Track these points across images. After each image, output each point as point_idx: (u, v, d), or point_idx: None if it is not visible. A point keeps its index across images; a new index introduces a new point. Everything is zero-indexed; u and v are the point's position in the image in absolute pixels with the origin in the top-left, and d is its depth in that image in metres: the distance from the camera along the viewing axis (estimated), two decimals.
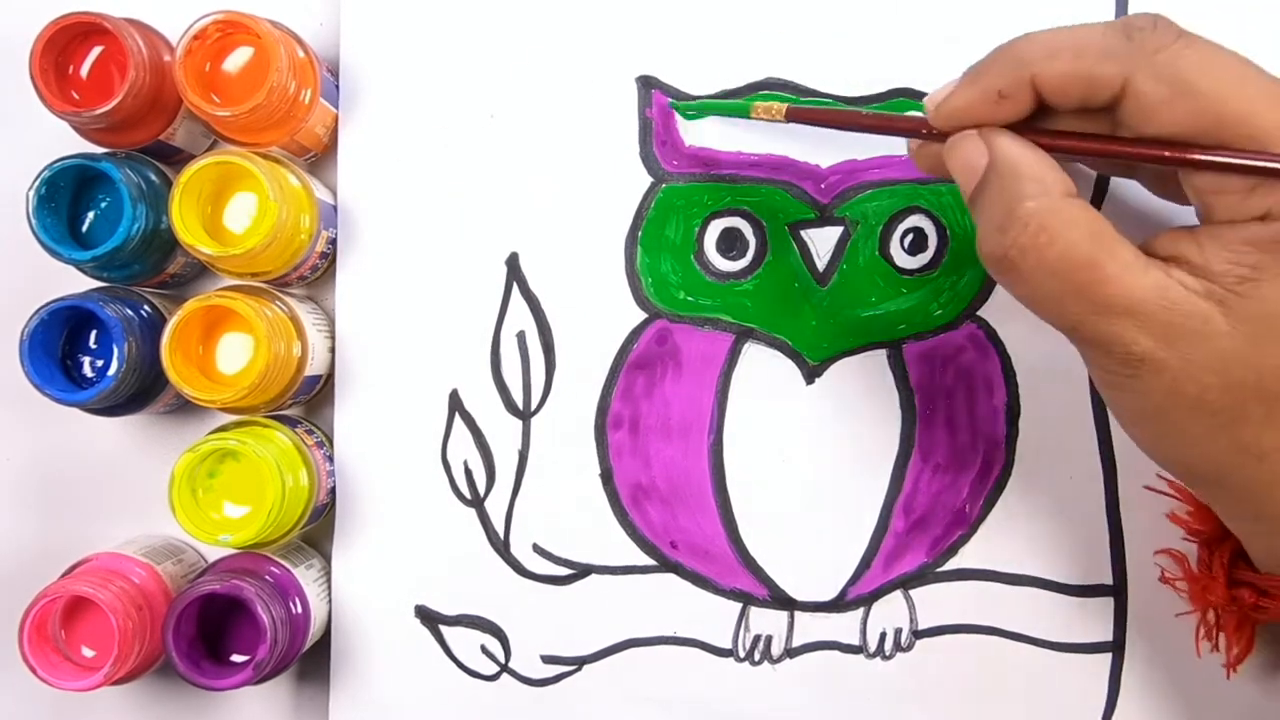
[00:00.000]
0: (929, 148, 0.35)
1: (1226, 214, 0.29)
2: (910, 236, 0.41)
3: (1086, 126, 0.31)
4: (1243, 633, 0.38)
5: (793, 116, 0.37)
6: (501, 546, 0.43)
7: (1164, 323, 0.29)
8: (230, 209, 0.39)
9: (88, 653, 0.39)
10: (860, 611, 0.42)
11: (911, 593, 0.42)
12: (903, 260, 0.42)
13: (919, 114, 0.34)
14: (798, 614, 0.42)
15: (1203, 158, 0.29)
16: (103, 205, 0.40)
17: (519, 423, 0.42)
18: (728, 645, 0.42)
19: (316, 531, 0.44)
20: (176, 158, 0.42)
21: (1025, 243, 0.30)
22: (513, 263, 0.42)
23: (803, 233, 0.42)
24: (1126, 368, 0.30)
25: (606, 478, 0.42)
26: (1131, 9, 0.41)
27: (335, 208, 0.43)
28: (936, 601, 0.42)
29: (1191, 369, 0.29)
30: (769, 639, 0.42)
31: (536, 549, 0.43)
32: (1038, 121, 0.32)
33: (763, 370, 0.42)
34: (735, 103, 0.41)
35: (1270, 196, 0.28)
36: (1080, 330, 0.30)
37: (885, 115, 0.35)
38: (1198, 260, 0.29)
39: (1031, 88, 0.31)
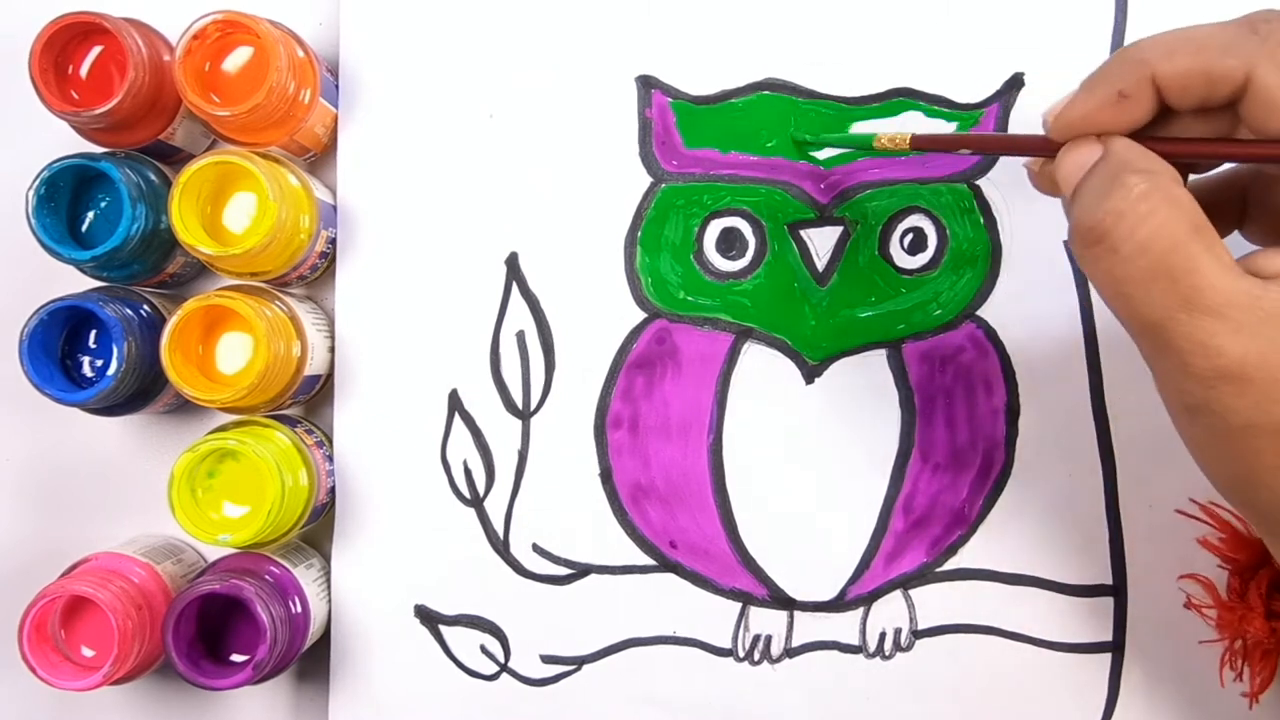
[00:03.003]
0: (1050, 167, 0.33)
1: None
2: (910, 236, 0.41)
3: (1208, 130, 0.30)
4: (1268, 663, 0.38)
5: (917, 145, 0.36)
6: (501, 546, 0.43)
7: (1256, 332, 0.27)
8: (230, 209, 0.39)
9: (87, 652, 0.39)
10: (860, 611, 0.42)
11: (911, 593, 0.42)
12: (902, 260, 0.42)
13: (1043, 134, 0.33)
14: (797, 614, 0.42)
15: None
16: (102, 205, 0.40)
17: (519, 422, 0.42)
18: (727, 645, 0.42)
19: (316, 531, 0.44)
20: (176, 157, 0.42)
21: (1124, 209, 0.28)
22: (512, 263, 0.42)
23: (802, 232, 0.42)
24: (1208, 382, 0.28)
25: (606, 477, 0.42)
26: (1131, 8, 0.41)
27: (335, 208, 0.43)
28: (936, 601, 0.42)
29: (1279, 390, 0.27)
30: (768, 639, 0.42)
31: (536, 549, 0.43)
32: (1159, 128, 0.31)
33: (762, 370, 0.42)
34: (860, 135, 0.39)
35: None
36: (1163, 330, 0.28)
37: (1010, 137, 0.33)
38: None
39: (1152, 86, 0.29)
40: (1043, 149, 0.32)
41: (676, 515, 0.42)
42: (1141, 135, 0.31)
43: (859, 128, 0.41)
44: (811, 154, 0.41)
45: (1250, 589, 0.37)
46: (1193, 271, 0.27)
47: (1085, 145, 0.31)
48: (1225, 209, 0.34)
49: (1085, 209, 0.29)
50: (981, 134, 0.34)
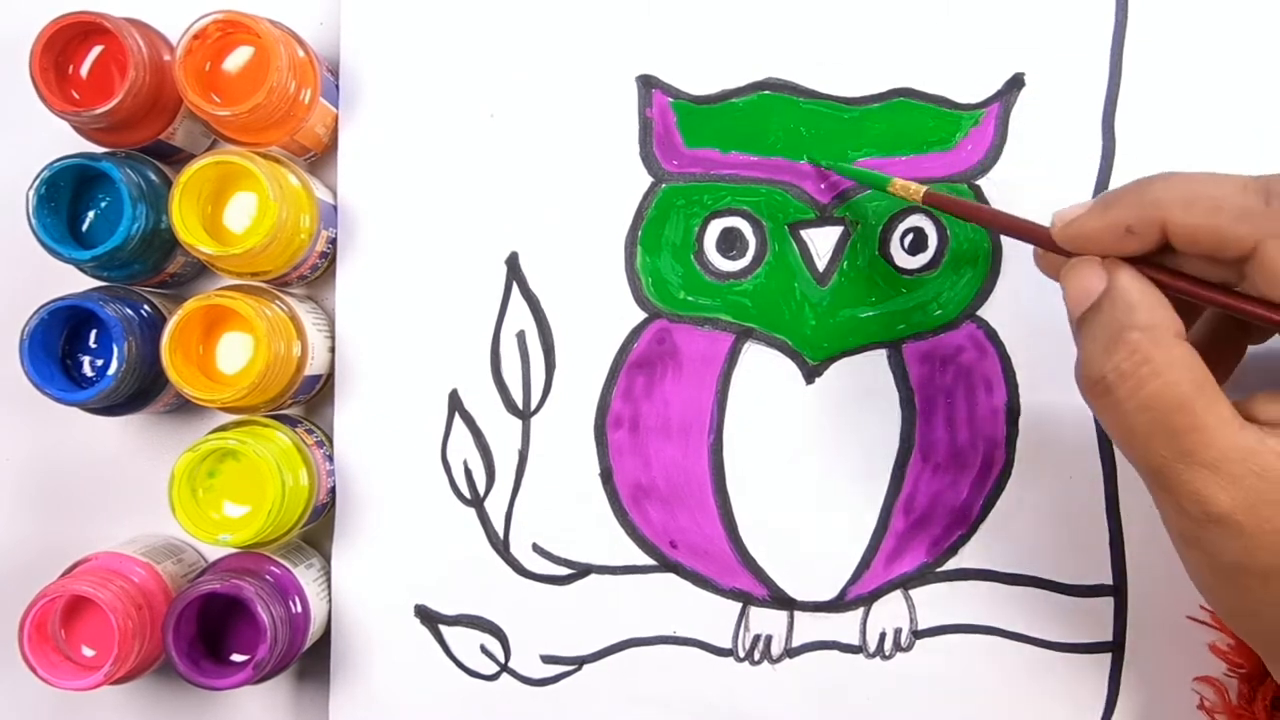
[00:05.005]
0: (1052, 256, 0.34)
1: None
2: (910, 236, 0.41)
3: (1210, 270, 0.31)
4: None
5: (930, 200, 0.37)
6: (501, 546, 0.43)
7: (1247, 486, 0.29)
8: (230, 209, 0.39)
9: (88, 652, 0.39)
10: (860, 611, 0.42)
11: (911, 593, 0.42)
12: (903, 260, 0.42)
13: (1048, 227, 0.34)
14: (797, 614, 0.42)
15: None
16: (103, 205, 0.40)
17: (519, 423, 0.42)
18: (727, 645, 0.42)
19: (316, 531, 0.44)
20: (176, 157, 0.42)
21: (1127, 369, 0.30)
22: (513, 263, 0.42)
23: (803, 232, 0.42)
24: (1201, 524, 0.30)
25: (606, 477, 0.42)
26: (1132, 7, 0.41)
27: (335, 208, 0.43)
28: (936, 601, 0.42)
29: (1269, 537, 0.29)
30: (769, 639, 0.42)
31: (536, 549, 0.43)
32: (1162, 257, 0.32)
33: (763, 370, 0.42)
34: (876, 175, 0.40)
35: None
36: (1162, 475, 0.30)
37: (1016, 220, 0.35)
38: None
39: (1161, 229, 0.30)
40: (1050, 247, 0.33)
41: (677, 515, 0.42)
42: (1147, 262, 0.31)
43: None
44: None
45: (1257, 697, 0.38)
46: (1192, 429, 0.29)
47: (1090, 271, 0.32)
48: (1229, 346, 0.35)
49: (1089, 361, 0.31)
50: (995, 211, 0.36)
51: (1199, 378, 0.29)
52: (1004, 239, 0.41)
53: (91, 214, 0.40)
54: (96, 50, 0.39)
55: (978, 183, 0.41)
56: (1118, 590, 0.42)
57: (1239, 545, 0.29)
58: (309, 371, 0.41)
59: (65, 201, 0.39)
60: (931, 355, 0.42)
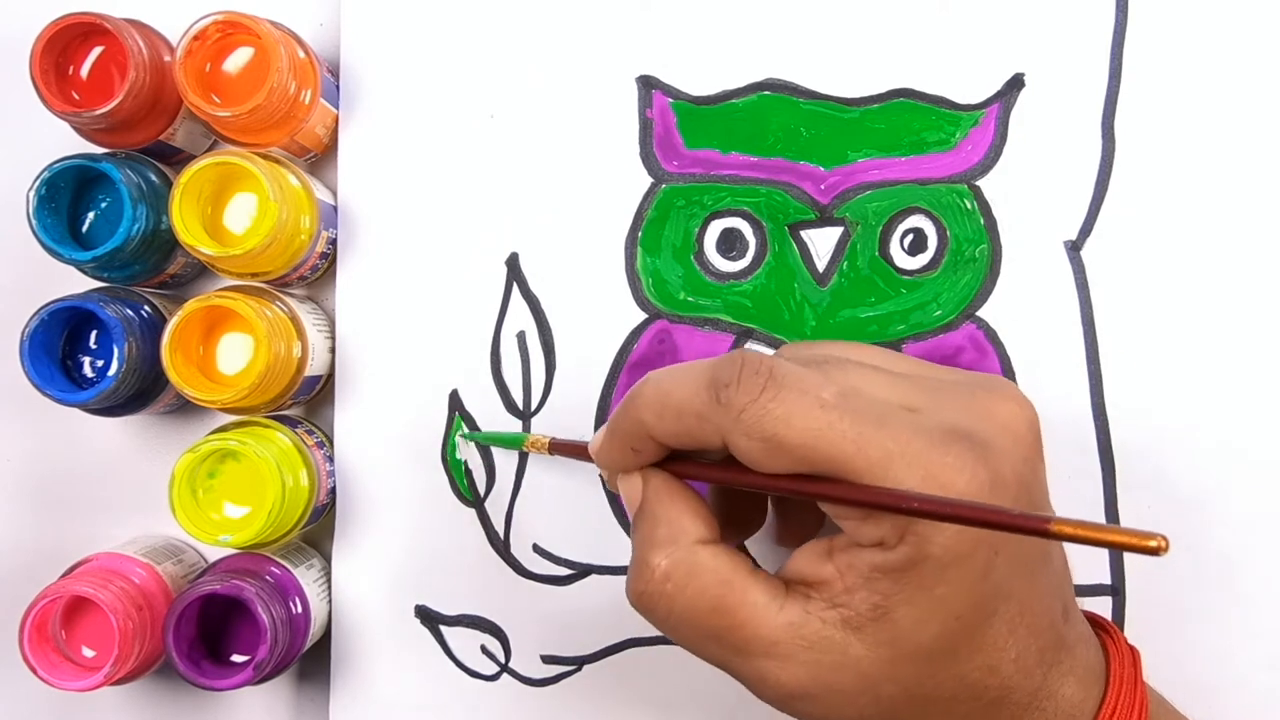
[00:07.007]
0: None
1: (854, 537, 0.29)
2: (910, 237, 0.41)
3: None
4: None
5: (555, 450, 0.39)
6: (501, 546, 0.43)
7: (803, 660, 0.29)
8: (230, 209, 0.39)
9: (88, 653, 0.39)
10: None
11: None
12: (902, 260, 0.42)
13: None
14: None
15: (808, 490, 0.29)
16: (103, 205, 0.40)
17: (519, 423, 0.42)
18: None
19: (316, 531, 0.44)
20: (177, 158, 0.42)
21: (654, 590, 0.30)
22: (513, 263, 0.42)
23: (803, 233, 0.42)
24: (781, 701, 0.30)
25: None
26: (1132, 7, 0.41)
27: (335, 208, 0.43)
28: None
29: (842, 695, 0.29)
30: None
31: (536, 549, 0.43)
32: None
33: None
34: (510, 435, 0.42)
35: (879, 527, 0.28)
36: (729, 671, 0.31)
37: (584, 448, 0.36)
38: (837, 586, 0.29)
39: (654, 441, 0.31)
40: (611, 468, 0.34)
41: None
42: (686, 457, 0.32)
43: None
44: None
45: None
46: (733, 628, 0.30)
47: (628, 483, 0.33)
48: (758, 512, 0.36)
49: (629, 581, 0.31)
50: (576, 444, 0.37)
51: (726, 577, 0.30)
52: (1004, 239, 0.41)
53: (92, 215, 0.40)
54: (97, 51, 0.39)
55: (978, 183, 0.41)
56: (1116, 590, 0.42)
57: (820, 710, 0.30)
58: (309, 372, 0.41)
59: (65, 202, 0.39)
60: (931, 356, 0.42)
